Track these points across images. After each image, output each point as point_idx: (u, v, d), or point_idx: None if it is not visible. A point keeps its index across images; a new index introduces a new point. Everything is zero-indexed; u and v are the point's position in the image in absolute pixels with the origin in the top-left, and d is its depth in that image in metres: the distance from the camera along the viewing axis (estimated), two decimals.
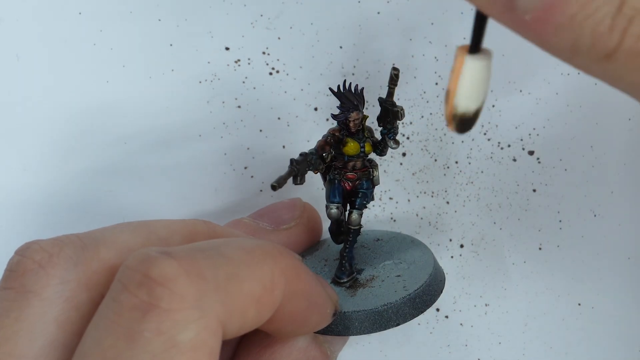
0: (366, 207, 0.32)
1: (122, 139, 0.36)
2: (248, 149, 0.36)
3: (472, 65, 0.22)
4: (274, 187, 0.27)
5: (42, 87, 0.35)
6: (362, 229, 0.32)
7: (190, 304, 0.22)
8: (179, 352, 0.21)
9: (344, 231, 0.32)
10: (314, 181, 0.36)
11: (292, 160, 0.29)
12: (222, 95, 0.36)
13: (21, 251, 0.25)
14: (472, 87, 0.22)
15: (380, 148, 0.31)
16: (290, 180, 0.29)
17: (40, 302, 0.24)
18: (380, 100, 0.31)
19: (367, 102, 0.31)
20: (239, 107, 0.36)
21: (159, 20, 0.35)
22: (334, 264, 0.33)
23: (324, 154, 0.30)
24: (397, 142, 0.31)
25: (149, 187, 0.36)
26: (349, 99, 0.30)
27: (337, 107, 0.31)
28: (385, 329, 0.30)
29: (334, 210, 0.31)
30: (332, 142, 0.30)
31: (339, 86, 0.30)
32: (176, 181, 0.36)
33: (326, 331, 0.30)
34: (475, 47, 0.22)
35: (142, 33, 0.35)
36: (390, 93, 0.30)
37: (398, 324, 0.30)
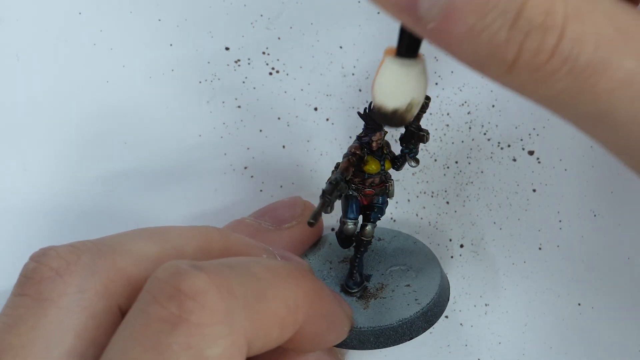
0: (379, 220, 0.32)
1: (122, 139, 0.36)
2: (248, 149, 0.36)
3: (389, 67, 0.22)
4: (310, 224, 0.27)
5: (42, 88, 0.35)
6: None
7: (219, 319, 0.22)
8: None
9: (355, 241, 0.32)
10: (314, 181, 0.36)
11: (323, 192, 0.28)
12: (222, 95, 0.36)
13: (37, 257, 0.25)
14: (387, 87, 0.23)
15: (399, 164, 0.31)
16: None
17: (57, 311, 0.24)
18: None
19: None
20: (239, 107, 0.36)
21: (159, 20, 0.35)
22: (339, 267, 0.33)
23: (347, 177, 0.30)
24: (417, 161, 0.31)
25: (148, 187, 0.36)
26: (373, 120, 0.30)
27: (363, 128, 0.30)
28: (399, 343, 0.30)
29: (351, 226, 0.31)
30: (355, 162, 0.30)
31: (365, 109, 0.30)
32: (176, 181, 0.36)
33: (341, 345, 0.30)
34: (399, 50, 0.22)
35: (142, 33, 0.35)
36: (418, 118, 0.30)
37: (411, 338, 0.30)
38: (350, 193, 0.31)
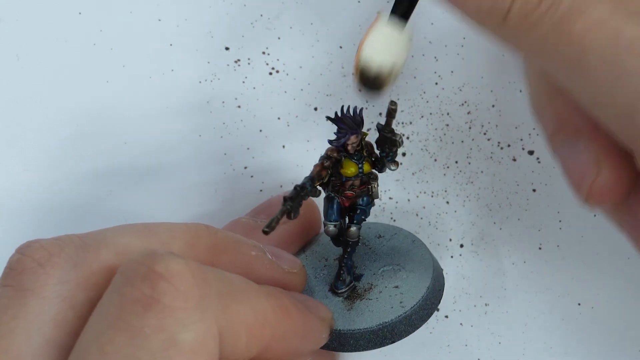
0: (364, 221, 0.31)
1: (122, 139, 0.36)
2: (248, 149, 0.36)
3: (383, 27, 0.24)
4: (265, 232, 0.26)
5: (42, 88, 0.35)
6: (364, 222, 0.32)
7: (192, 304, 0.22)
8: (179, 353, 0.21)
9: (343, 241, 0.32)
10: None
11: (285, 199, 0.27)
12: (222, 95, 0.36)
13: (21, 249, 0.25)
14: (377, 44, 0.24)
15: (379, 167, 0.31)
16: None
17: (38, 301, 0.24)
18: (379, 127, 0.30)
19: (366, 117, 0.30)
20: (239, 107, 0.36)
21: (159, 20, 0.35)
22: (334, 265, 0.33)
23: (321, 181, 0.29)
24: (396, 164, 0.30)
25: (148, 187, 0.36)
26: (346, 123, 0.29)
27: (334, 132, 0.29)
28: (381, 346, 0.30)
29: (331, 228, 0.31)
30: (330, 166, 0.29)
31: (336, 113, 0.29)
32: (176, 181, 0.36)
33: (322, 347, 0.30)
34: (395, 10, 0.24)
35: (142, 33, 0.35)
36: (388, 123, 0.29)
37: (393, 342, 0.30)
38: (331, 194, 0.30)
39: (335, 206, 0.31)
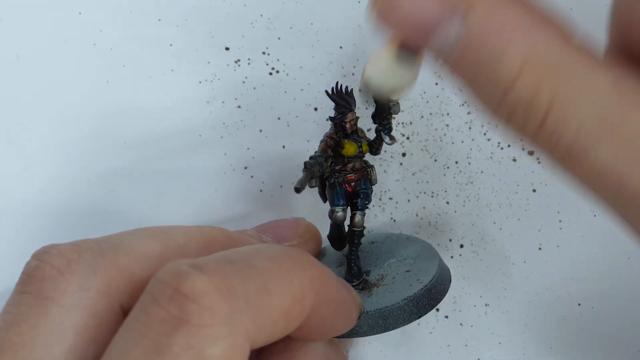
0: (367, 208, 0.32)
1: (122, 139, 0.36)
2: (248, 149, 0.36)
3: (392, 57, 0.23)
4: (297, 190, 0.27)
5: (42, 88, 0.35)
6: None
7: (220, 319, 0.22)
8: None
9: (347, 235, 0.32)
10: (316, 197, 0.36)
11: (306, 163, 0.29)
12: (222, 95, 0.36)
13: (39, 255, 0.25)
14: (384, 72, 0.24)
15: (376, 147, 0.32)
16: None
17: (59, 309, 0.24)
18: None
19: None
20: (239, 107, 0.36)
21: (159, 20, 0.35)
22: (337, 271, 0.33)
23: (327, 157, 0.31)
24: (392, 138, 0.31)
25: (149, 187, 0.36)
26: (344, 100, 0.30)
27: (334, 109, 0.31)
28: (408, 322, 0.30)
29: (340, 214, 0.32)
30: (332, 145, 0.31)
31: (332, 88, 0.30)
32: (176, 181, 0.36)
33: (351, 333, 0.29)
34: (404, 45, 0.23)
35: (142, 33, 0.35)
36: (387, 118, 0.31)
37: (420, 316, 0.30)
38: (333, 181, 0.31)
39: (340, 191, 0.32)
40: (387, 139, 0.31)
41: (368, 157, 0.32)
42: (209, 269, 0.23)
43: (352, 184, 0.32)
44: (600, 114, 0.19)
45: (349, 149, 0.31)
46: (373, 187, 0.32)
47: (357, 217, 0.32)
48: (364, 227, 0.32)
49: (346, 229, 0.33)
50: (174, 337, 0.21)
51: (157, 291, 0.22)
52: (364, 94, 0.25)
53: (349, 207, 0.32)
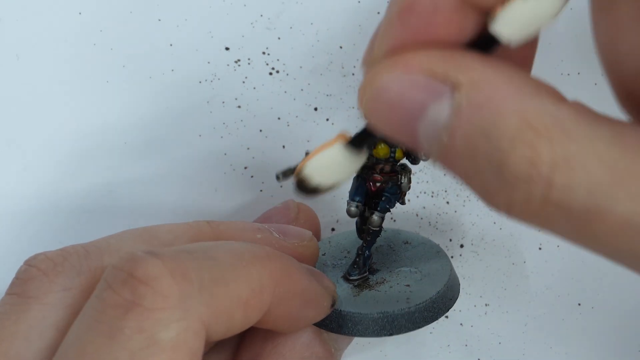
0: (389, 211, 0.31)
1: (122, 139, 0.36)
2: (248, 149, 0.36)
3: (338, 152, 0.24)
4: (277, 178, 0.27)
5: (42, 88, 0.35)
6: (395, 229, 0.32)
7: (173, 303, 0.22)
8: (159, 351, 0.22)
9: (365, 230, 0.32)
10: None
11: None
12: (222, 95, 0.36)
13: (28, 261, 0.26)
14: (326, 167, 0.24)
15: (413, 157, 0.31)
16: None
17: (41, 307, 0.25)
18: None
19: None
20: (239, 107, 0.36)
21: (159, 20, 0.35)
22: (353, 257, 0.32)
23: None
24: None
25: (148, 187, 0.36)
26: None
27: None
28: (378, 336, 0.30)
29: (352, 209, 0.31)
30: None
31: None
32: (176, 181, 0.36)
33: (320, 325, 0.30)
34: (354, 142, 0.24)
35: (142, 33, 0.35)
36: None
37: (391, 334, 0.29)
38: (358, 175, 0.31)
39: (361, 187, 0.31)
40: (422, 156, 0.30)
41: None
42: (164, 256, 0.23)
43: (377, 184, 0.31)
44: (609, 167, 0.18)
45: (380, 151, 0.30)
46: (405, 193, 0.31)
47: (374, 217, 0.31)
48: (382, 228, 0.31)
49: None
50: (126, 320, 0.22)
51: (112, 277, 0.23)
52: (298, 191, 0.25)
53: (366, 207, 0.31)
